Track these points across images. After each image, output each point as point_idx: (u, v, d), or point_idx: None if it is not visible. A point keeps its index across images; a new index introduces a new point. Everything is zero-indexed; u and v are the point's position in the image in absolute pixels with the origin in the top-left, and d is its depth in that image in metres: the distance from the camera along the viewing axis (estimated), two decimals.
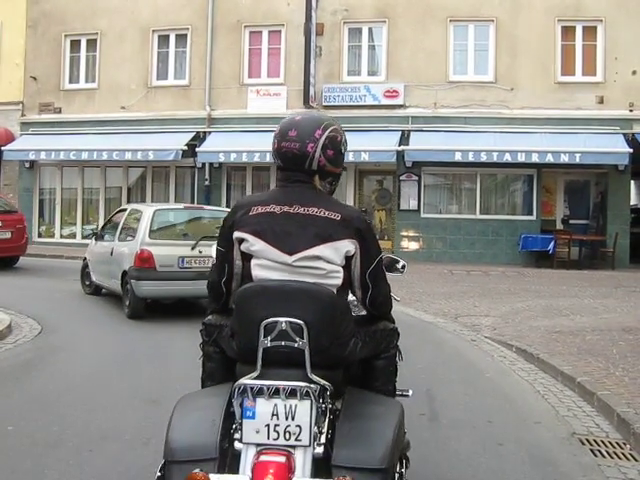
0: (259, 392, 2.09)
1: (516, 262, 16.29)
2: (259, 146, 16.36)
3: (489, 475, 3.75)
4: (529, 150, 15.59)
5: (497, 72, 16.89)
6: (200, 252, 8.70)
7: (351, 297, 2.61)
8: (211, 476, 1.97)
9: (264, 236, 2.35)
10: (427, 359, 6.51)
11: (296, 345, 2.18)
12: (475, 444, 4.24)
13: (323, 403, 2.16)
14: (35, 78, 19.48)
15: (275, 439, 2.07)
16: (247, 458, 2.08)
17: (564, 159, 15.46)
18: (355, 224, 2.39)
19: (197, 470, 1.96)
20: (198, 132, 18.07)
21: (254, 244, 2.36)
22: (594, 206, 17.61)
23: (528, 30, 16.68)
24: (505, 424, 4.67)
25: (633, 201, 19.21)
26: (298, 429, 2.07)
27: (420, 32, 17.17)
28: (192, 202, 17.80)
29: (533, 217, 16.89)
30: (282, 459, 2.04)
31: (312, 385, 2.11)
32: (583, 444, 4.29)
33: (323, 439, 2.13)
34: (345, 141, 2.52)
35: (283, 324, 2.19)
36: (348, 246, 2.37)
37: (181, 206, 11.33)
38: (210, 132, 18.11)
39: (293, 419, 2.07)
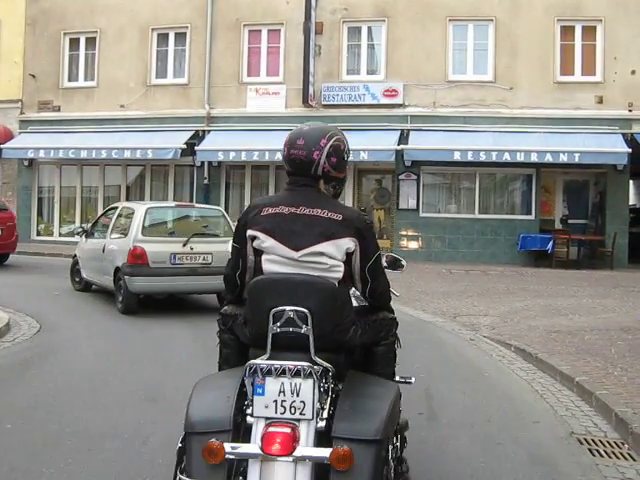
0: (268, 372, 2.34)
1: (515, 262, 16.29)
2: (258, 145, 16.39)
3: (487, 474, 3.76)
4: (528, 150, 15.57)
5: (496, 72, 16.87)
6: (191, 249, 8.85)
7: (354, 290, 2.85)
8: (226, 445, 2.23)
9: (273, 234, 2.61)
10: (425, 358, 6.51)
11: (302, 331, 2.43)
12: (473, 443, 4.25)
13: (325, 383, 2.42)
14: (34, 76, 19.44)
15: (282, 413, 2.32)
16: (257, 429, 2.32)
17: (563, 159, 15.45)
18: (355, 224, 2.63)
19: (213, 439, 2.22)
20: (197, 131, 18.04)
21: (265, 241, 2.62)
22: (593, 206, 17.62)
23: (527, 30, 16.65)
24: (503, 423, 4.68)
25: (632, 201, 19.19)
26: (302, 404, 2.31)
27: (419, 31, 17.14)
28: (191, 201, 17.76)
29: (532, 217, 16.88)
30: (288, 430, 2.27)
31: (315, 366, 2.35)
32: (581, 443, 4.30)
33: (325, 414, 2.37)
34: (348, 149, 2.77)
35: (290, 312, 2.44)
36: (348, 243, 2.62)
37: (173, 204, 11.61)
38: (209, 131, 18.08)
39: (298, 395, 2.32)
